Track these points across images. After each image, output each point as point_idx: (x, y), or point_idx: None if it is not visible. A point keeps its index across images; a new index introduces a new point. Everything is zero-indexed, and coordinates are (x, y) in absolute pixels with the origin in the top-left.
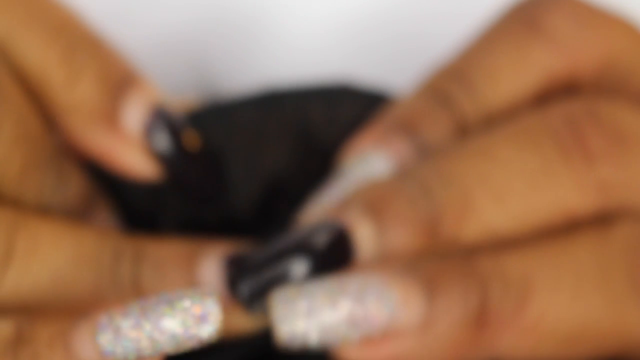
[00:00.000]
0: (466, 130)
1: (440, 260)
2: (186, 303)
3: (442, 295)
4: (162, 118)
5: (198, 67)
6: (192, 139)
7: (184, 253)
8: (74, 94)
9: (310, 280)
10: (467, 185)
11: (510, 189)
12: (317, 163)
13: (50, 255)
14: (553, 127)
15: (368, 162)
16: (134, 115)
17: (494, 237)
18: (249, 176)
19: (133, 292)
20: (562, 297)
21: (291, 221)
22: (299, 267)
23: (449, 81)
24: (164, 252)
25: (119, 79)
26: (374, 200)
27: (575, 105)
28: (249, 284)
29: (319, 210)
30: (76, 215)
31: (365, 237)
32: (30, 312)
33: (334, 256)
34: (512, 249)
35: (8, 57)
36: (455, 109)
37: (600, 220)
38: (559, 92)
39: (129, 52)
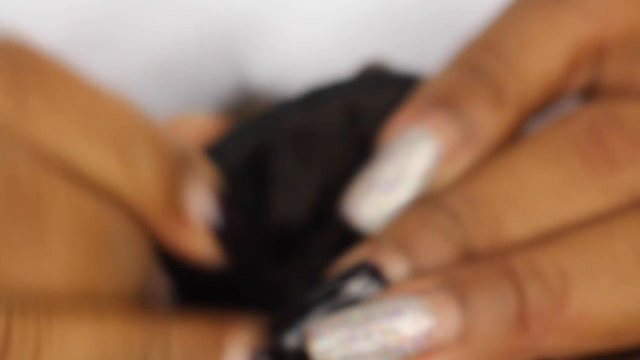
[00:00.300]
0: (504, 102)
1: (470, 266)
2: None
3: (476, 301)
4: (220, 200)
5: (230, 65)
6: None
7: (213, 339)
8: (136, 188)
9: (342, 312)
10: (495, 208)
11: (538, 207)
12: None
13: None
14: (574, 137)
15: (410, 139)
16: (198, 201)
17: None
18: (304, 181)
19: None
20: (602, 288)
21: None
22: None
23: (482, 53)
24: (192, 339)
25: (176, 166)
26: (403, 235)
27: (594, 111)
28: (293, 338)
29: (366, 195)
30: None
31: (398, 274)
32: None
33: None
34: (545, 245)
35: (67, 166)
36: (491, 79)
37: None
38: (589, 57)
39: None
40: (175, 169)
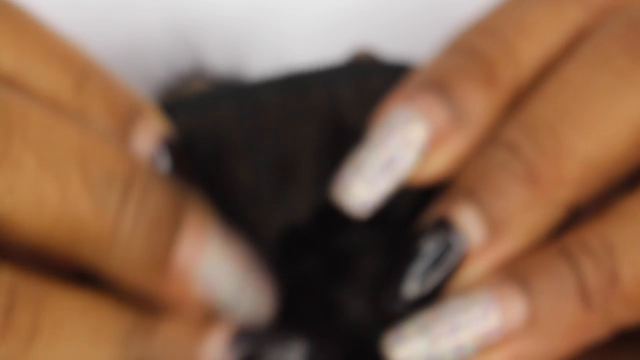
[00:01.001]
0: (498, 83)
1: (526, 254)
2: None
3: (537, 285)
4: (167, 147)
5: (223, 50)
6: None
7: (192, 331)
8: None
9: (414, 315)
10: (552, 127)
11: (595, 114)
12: (347, 141)
13: (74, 333)
14: (617, 37)
15: (398, 121)
16: (143, 144)
17: (595, 169)
18: (272, 159)
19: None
20: None
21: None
22: (427, 275)
23: (477, 36)
24: (174, 329)
25: (127, 110)
26: (470, 182)
27: (633, 12)
28: (395, 303)
29: (355, 178)
30: (164, 234)
31: (470, 221)
32: None
33: (450, 253)
34: (591, 219)
35: (21, 88)
36: (484, 61)
37: None
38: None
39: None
40: (125, 112)
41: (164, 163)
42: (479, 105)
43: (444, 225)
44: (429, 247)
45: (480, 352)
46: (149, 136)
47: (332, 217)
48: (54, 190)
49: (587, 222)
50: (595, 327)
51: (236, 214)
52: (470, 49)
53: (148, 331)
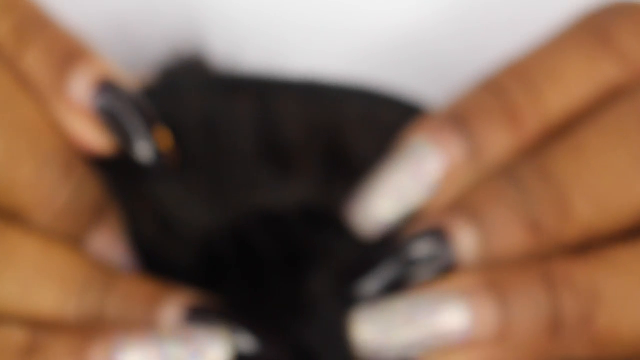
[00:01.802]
0: (520, 126)
1: (510, 268)
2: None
3: (513, 303)
4: (111, 91)
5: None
6: (151, 113)
7: (151, 293)
8: (23, 66)
9: (387, 299)
10: (563, 184)
11: (604, 189)
12: (346, 170)
13: (25, 269)
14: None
15: (417, 150)
16: (81, 86)
17: (594, 232)
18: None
19: (94, 320)
20: (631, 309)
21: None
22: (404, 276)
23: (507, 77)
24: (133, 288)
25: (66, 53)
26: (476, 205)
27: None
28: (363, 294)
29: (368, 201)
30: (79, 224)
31: (466, 242)
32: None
33: (437, 264)
34: (583, 258)
35: None
36: (509, 102)
37: None
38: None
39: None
40: (63, 55)
41: (104, 104)
42: (498, 144)
43: (438, 234)
44: (417, 248)
45: (438, 352)
46: (89, 78)
47: (312, 215)
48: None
49: (579, 260)
50: (552, 356)
51: (222, 194)
52: (498, 90)
53: (105, 287)
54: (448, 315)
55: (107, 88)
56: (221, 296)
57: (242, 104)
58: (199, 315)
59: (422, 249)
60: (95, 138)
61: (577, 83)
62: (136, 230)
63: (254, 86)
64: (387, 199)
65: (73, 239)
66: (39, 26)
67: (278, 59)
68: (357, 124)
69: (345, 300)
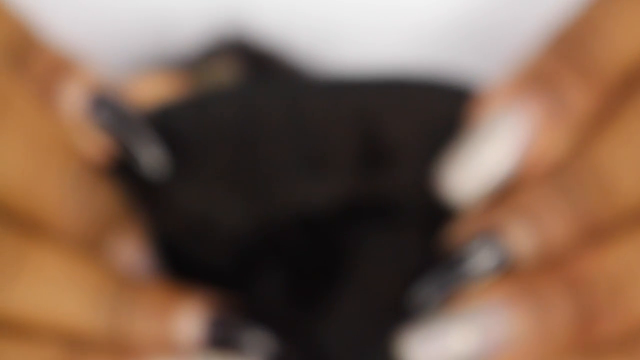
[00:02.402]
0: (598, 78)
1: (538, 274)
2: None
3: (549, 308)
4: (103, 102)
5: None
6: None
7: (166, 298)
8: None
9: (436, 316)
10: (613, 172)
11: None
12: (386, 161)
13: (55, 279)
14: None
15: (502, 118)
16: (71, 98)
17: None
18: (304, 150)
19: (112, 328)
20: None
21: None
22: (463, 282)
23: (579, 30)
24: (149, 294)
25: (54, 67)
26: (524, 202)
27: None
28: (421, 303)
29: (458, 172)
30: (101, 233)
31: (523, 243)
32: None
33: (493, 266)
34: (598, 251)
35: None
36: (587, 55)
37: None
38: None
39: None
40: (52, 69)
41: (99, 116)
42: (582, 99)
43: (493, 235)
44: (473, 253)
45: None
46: (78, 87)
47: (347, 214)
48: (28, 171)
49: (604, 249)
50: (586, 349)
51: (255, 190)
52: (570, 43)
53: (122, 296)
54: (489, 328)
55: (102, 99)
56: (241, 296)
57: (273, 102)
58: (216, 321)
59: (478, 253)
60: (92, 144)
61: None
62: (164, 231)
63: (286, 84)
64: (479, 167)
65: (94, 248)
66: (29, 40)
67: (329, 38)
68: (394, 114)
69: (387, 308)
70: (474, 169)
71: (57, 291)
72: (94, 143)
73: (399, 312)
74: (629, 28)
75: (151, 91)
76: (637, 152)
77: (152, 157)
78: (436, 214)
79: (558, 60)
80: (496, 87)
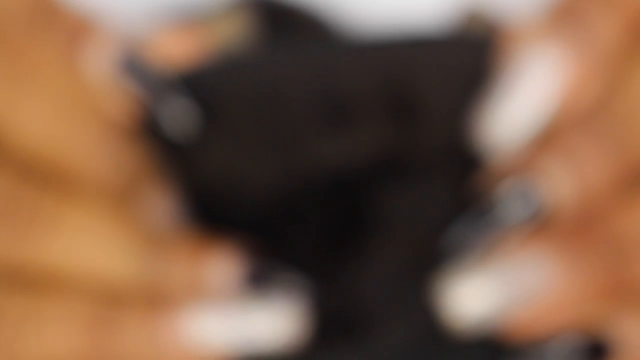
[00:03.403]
0: (625, 10)
1: (576, 225)
2: None
3: (586, 267)
4: (130, 55)
5: None
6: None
7: (196, 248)
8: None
9: (470, 265)
10: None
11: None
12: (418, 119)
13: (74, 232)
14: None
15: (535, 63)
16: (99, 54)
17: None
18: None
19: (143, 279)
20: None
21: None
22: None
23: None
24: (186, 243)
25: (77, 30)
26: (566, 148)
27: None
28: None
29: (493, 121)
30: (130, 190)
31: (561, 184)
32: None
33: (531, 214)
34: (631, 207)
35: None
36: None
37: None
38: None
39: None
40: (72, 32)
41: (122, 67)
42: (610, 31)
43: (534, 181)
44: (513, 200)
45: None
46: (103, 47)
47: (377, 169)
48: (62, 130)
49: (630, 209)
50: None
51: (284, 147)
52: None
53: (151, 246)
54: (527, 274)
55: (124, 59)
56: (275, 244)
57: (300, 62)
58: (248, 264)
59: (516, 196)
60: (120, 103)
61: None
62: (192, 189)
63: (312, 44)
64: (519, 105)
65: (123, 204)
66: (51, 6)
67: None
68: (421, 68)
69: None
70: (507, 114)
71: (91, 245)
72: (121, 103)
73: (433, 259)
74: None
75: (171, 47)
76: None
77: (178, 117)
78: (469, 164)
79: None
80: (524, 26)
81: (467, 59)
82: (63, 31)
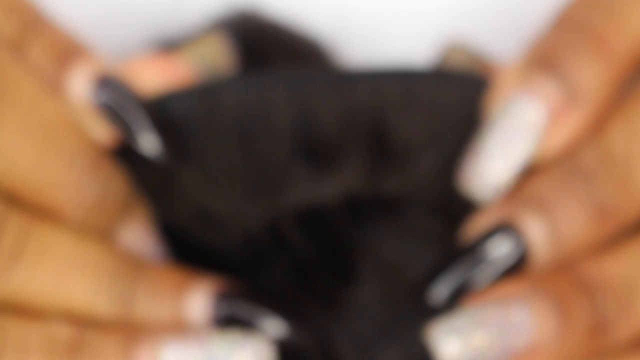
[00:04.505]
0: (609, 56)
1: (555, 275)
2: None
3: (569, 313)
4: (110, 86)
5: None
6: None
7: (178, 281)
8: (27, 64)
9: (457, 313)
10: (625, 163)
11: None
12: (393, 155)
13: (58, 262)
14: None
15: (514, 106)
16: (80, 82)
17: None
18: (307, 144)
19: (124, 310)
20: None
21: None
22: (482, 275)
23: (584, 8)
24: (161, 277)
25: (65, 50)
26: (542, 198)
27: None
28: (442, 294)
29: (478, 165)
30: (109, 218)
31: (537, 237)
32: (61, 318)
33: (512, 259)
34: (611, 252)
35: None
36: (593, 33)
37: None
38: None
39: None
40: (63, 53)
41: (102, 99)
42: (592, 79)
43: (509, 232)
44: (489, 247)
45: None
46: (85, 75)
47: (356, 209)
48: (29, 155)
49: (610, 255)
50: (596, 355)
51: (255, 189)
52: (577, 22)
53: (134, 277)
54: (514, 326)
55: (106, 83)
56: (250, 282)
57: (277, 97)
58: (226, 301)
59: (494, 247)
60: (99, 132)
61: None
62: (169, 218)
63: (289, 80)
64: (497, 161)
65: (103, 233)
66: (40, 26)
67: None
68: (399, 106)
69: (397, 301)
70: (491, 163)
71: (63, 272)
72: (101, 127)
73: (416, 306)
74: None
75: (147, 74)
76: None
77: (151, 143)
78: (453, 208)
79: (566, 39)
80: (508, 73)
81: (451, 99)
82: (47, 51)
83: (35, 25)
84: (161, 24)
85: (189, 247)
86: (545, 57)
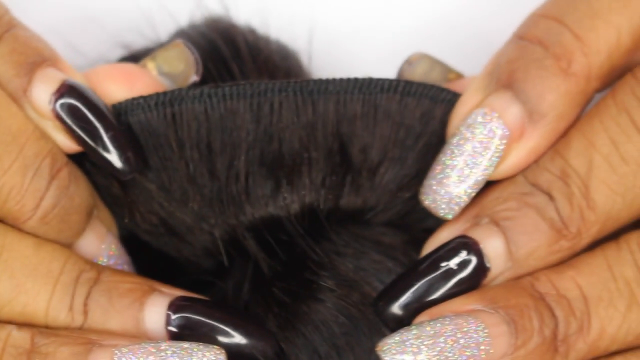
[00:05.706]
0: (570, 73)
1: (510, 290)
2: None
3: (524, 328)
4: (72, 95)
5: None
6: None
7: (138, 290)
8: None
9: (412, 327)
10: (584, 181)
11: (621, 175)
12: (353, 166)
13: (15, 268)
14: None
15: (474, 125)
16: (43, 91)
17: (614, 224)
18: (270, 157)
19: (80, 318)
20: (617, 309)
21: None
22: (439, 287)
23: (546, 24)
24: (120, 284)
25: (30, 58)
26: (499, 213)
27: None
28: (398, 307)
29: (440, 181)
30: (69, 226)
31: (495, 252)
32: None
33: (469, 273)
34: (566, 269)
35: None
36: (556, 50)
37: None
38: None
39: None
40: (29, 61)
41: (63, 106)
42: (553, 97)
43: (467, 247)
44: (449, 265)
45: None
46: (48, 83)
47: (316, 222)
48: None
49: (565, 271)
50: None
51: (216, 199)
52: (539, 39)
53: (95, 278)
54: (465, 340)
55: (69, 92)
56: (209, 293)
57: (239, 109)
58: (183, 312)
59: (452, 262)
60: (62, 141)
61: (618, 19)
62: (131, 230)
63: (252, 92)
64: (458, 177)
65: (64, 240)
66: (5, 30)
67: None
68: (360, 119)
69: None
70: (452, 179)
71: (20, 278)
72: (65, 137)
73: (371, 321)
74: (595, 21)
75: (111, 83)
76: (605, 161)
77: (115, 154)
78: (413, 222)
79: (528, 56)
80: (470, 89)
81: (414, 114)
82: (13, 59)
83: (1, 29)
84: (127, 34)
85: (150, 257)
86: (507, 75)
